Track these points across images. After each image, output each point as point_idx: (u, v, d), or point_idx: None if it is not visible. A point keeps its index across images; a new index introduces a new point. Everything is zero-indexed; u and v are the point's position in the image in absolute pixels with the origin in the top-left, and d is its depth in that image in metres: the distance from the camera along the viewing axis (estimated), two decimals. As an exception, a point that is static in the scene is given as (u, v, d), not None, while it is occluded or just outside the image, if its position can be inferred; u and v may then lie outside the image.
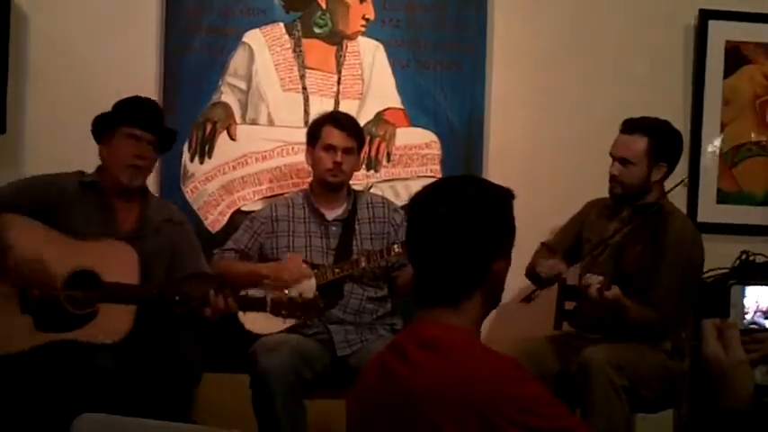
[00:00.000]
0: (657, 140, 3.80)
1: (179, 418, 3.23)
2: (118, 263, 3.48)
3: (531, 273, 3.94)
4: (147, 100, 3.80)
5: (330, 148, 3.93)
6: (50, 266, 3.40)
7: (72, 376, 3.28)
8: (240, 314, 3.69)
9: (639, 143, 3.79)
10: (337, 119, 4.01)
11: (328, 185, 3.98)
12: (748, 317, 1.79)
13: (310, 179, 4.10)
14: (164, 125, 3.77)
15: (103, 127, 3.67)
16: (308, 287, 3.84)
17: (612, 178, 3.83)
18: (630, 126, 3.83)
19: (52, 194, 3.57)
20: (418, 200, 1.99)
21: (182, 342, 3.55)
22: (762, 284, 1.80)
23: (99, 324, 3.40)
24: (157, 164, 4.11)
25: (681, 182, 3.96)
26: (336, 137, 3.93)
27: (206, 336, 3.59)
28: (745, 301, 1.79)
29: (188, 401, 3.51)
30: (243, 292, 3.53)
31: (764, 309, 1.80)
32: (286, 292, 3.78)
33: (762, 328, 1.78)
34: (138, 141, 3.64)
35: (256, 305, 3.49)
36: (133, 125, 3.64)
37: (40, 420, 3.28)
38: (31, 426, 3.33)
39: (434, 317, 1.92)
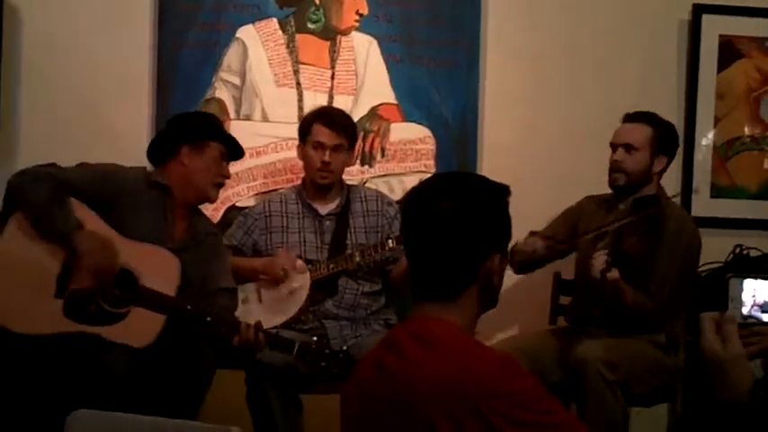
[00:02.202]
0: (660, 131, 3.83)
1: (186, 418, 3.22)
2: (159, 270, 3.47)
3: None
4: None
5: (319, 146, 3.92)
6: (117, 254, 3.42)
7: (83, 375, 3.28)
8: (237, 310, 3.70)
9: (644, 130, 3.82)
10: (327, 115, 4.00)
11: (317, 185, 3.98)
12: (745, 310, 1.79)
13: (303, 175, 4.10)
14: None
15: (192, 134, 3.64)
16: (303, 282, 3.85)
17: (615, 166, 3.83)
18: (634, 116, 3.88)
19: (117, 190, 3.53)
20: (411, 196, 1.99)
21: (200, 355, 3.53)
22: (759, 278, 1.80)
23: (127, 326, 3.38)
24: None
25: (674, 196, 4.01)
26: (325, 135, 3.92)
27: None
28: (743, 295, 1.80)
29: (198, 403, 3.50)
30: (274, 331, 3.53)
31: (761, 302, 1.80)
32: (281, 287, 3.81)
33: (760, 322, 1.78)
34: (225, 161, 3.66)
35: (283, 347, 3.47)
36: (226, 144, 3.67)
37: (43, 408, 3.28)
38: (35, 412, 3.34)
39: (429, 312, 1.92)
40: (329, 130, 3.92)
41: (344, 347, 3.62)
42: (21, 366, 3.39)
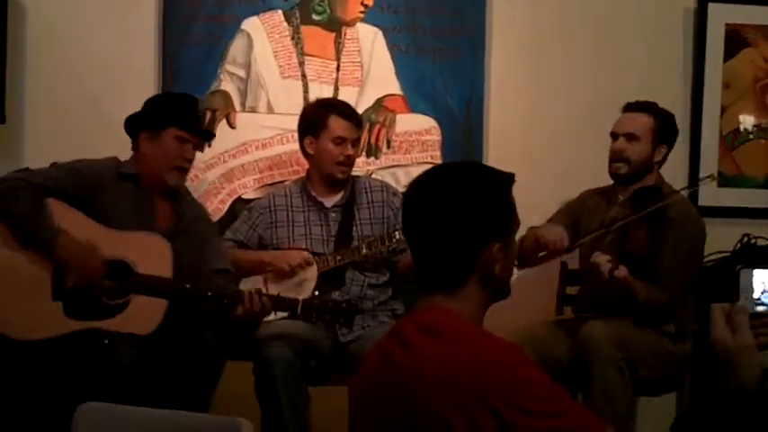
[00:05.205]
0: (661, 121, 3.85)
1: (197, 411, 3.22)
2: (152, 256, 3.47)
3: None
4: (193, 99, 3.79)
5: (341, 140, 3.89)
6: (98, 253, 3.41)
7: (90, 369, 3.29)
8: None
9: (646, 120, 3.84)
10: (342, 109, 3.98)
11: (334, 180, 3.97)
12: (756, 300, 1.79)
13: (308, 167, 4.08)
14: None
15: (148, 122, 3.63)
16: (310, 274, 3.84)
17: (617, 155, 3.83)
18: (634, 106, 3.89)
19: (92, 184, 3.54)
20: (411, 186, 2.00)
21: (206, 345, 3.53)
22: None
23: (129, 316, 3.40)
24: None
25: (709, 176, 4.02)
26: (347, 129, 3.90)
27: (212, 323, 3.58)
28: (754, 285, 1.79)
29: (208, 396, 3.50)
30: (275, 293, 3.54)
31: None
32: (288, 280, 3.81)
33: None
34: (185, 144, 3.63)
35: (288, 306, 3.50)
36: (184, 128, 3.62)
37: (52, 407, 3.29)
38: (43, 412, 3.35)
39: (434, 302, 1.92)
40: (350, 124, 3.92)
41: (346, 297, 3.65)
42: (30, 371, 3.39)
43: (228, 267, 3.74)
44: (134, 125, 3.66)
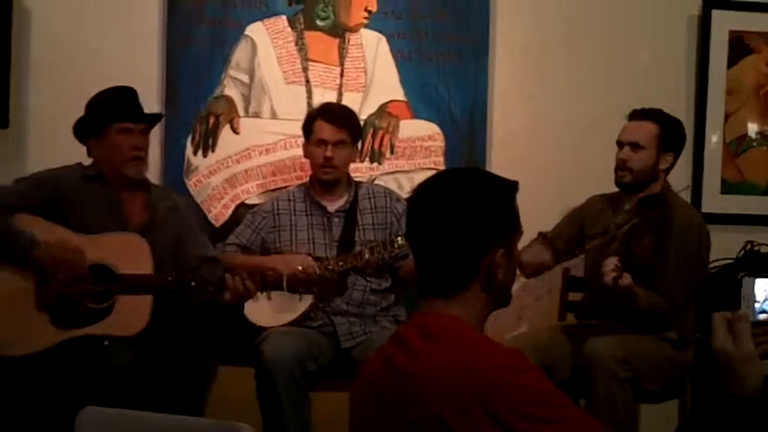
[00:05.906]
0: (666, 129, 3.83)
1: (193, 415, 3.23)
2: (131, 255, 3.47)
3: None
4: (125, 89, 3.75)
5: (321, 142, 3.92)
6: (82, 257, 3.39)
7: (86, 374, 3.28)
8: (245, 306, 3.69)
9: (650, 128, 3.82)
10: (328, 111, 3.99)
11: (322, 182, 3.98)
12: (758, 309, 1.79)
13: (311, 172, 4.09)
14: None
15: (90, 128, 3.64)
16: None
17: (621, 164, 3.83)
18: (640, 114, 3.86)
19: (58, 191, 3.53)
20: (416, 191, 2.00)
21: (197, 339, 3.53)
22: None
23: (116, 318, 3.40)
24: (161, 157, 4.12)
25: (685, 188, 4.01)
26: (326, 131, 3.91)
27: (211, 328, 3.58)
28: (756, 294, 1.79)
29: (202, 399, 3.50)
30: (258, 275, 3.54)
31: None
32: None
33: None
34: (131, 134, 3.62)
35: (273, 284, 3.51)
36: (124, 120, 3.62)
37: (51, 414, 3.29)
38: (44, 419, 3.34)
39: (435, 307, 1.92)
40: (330, 126, 3.92)
41: (329, 257, 3.66)
42: (27, 380, 3.39)
43: (214, 255, 3.75)
44: (80, 135, 3.67)
